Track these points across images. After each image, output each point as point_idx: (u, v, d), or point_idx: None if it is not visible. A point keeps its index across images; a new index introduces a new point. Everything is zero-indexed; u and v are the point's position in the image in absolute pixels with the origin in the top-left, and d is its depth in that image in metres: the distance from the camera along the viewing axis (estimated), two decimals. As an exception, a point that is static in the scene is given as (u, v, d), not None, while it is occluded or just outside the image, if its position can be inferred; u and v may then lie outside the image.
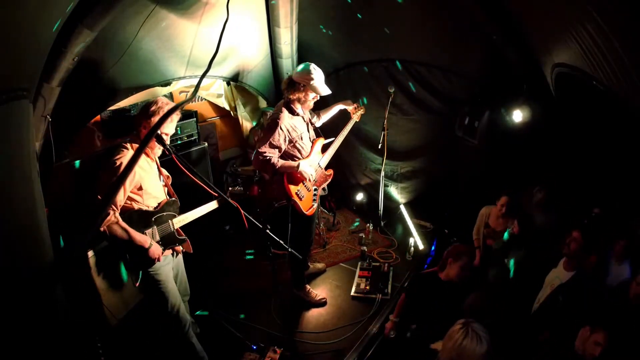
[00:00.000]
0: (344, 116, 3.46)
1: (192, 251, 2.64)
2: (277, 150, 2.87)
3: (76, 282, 2.71)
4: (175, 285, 2.57)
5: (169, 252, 2.50)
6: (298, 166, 2.92)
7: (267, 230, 2.28)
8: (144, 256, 2.31)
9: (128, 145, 2.26)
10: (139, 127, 2.33)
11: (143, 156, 2.33)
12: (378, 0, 3.56)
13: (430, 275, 2.79)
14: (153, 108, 2.28)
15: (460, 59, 3.74)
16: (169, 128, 2.37)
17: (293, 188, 2.96)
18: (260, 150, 2.81)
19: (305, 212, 3.07)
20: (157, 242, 2.37)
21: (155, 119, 2.24)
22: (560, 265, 2.62)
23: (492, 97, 3.69)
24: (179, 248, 2.59)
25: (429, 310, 2.65)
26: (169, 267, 2.52)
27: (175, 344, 2.64)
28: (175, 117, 2.37)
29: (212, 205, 2.58)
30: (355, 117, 3.38)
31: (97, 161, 2.32)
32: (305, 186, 3.07)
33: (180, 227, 2.55)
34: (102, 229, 2.13)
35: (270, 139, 2.82)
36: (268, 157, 2.81)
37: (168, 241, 2.45)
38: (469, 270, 2.67)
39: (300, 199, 3.01)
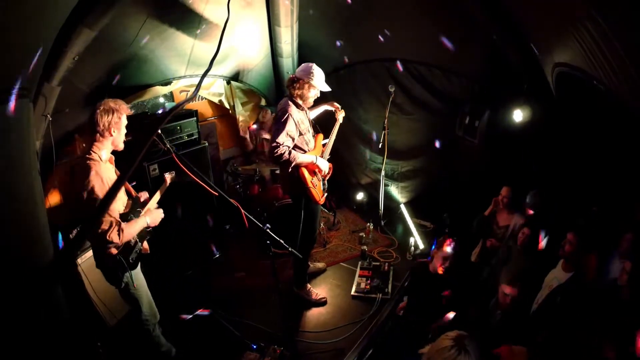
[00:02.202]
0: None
1: (149, 251, 2.63)
2: (291, 140, 2.97)
3: (73, 283, 2.73)
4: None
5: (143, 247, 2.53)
6: (316, 159, 3.13)
7: (268, 230, 2.28)
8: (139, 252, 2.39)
9: (95, 157, 2.19)
10: (102, 133, 2.21)
11: (109, 167, 2.30)
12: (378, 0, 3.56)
13: (422, 265, 2.96)
14: (109, 117, 2.19)
15: (460, 59, 3.74)
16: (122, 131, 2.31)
17: (309, 177, 3.13)
18: (278, 140, 2.88)
19: (319, 200, 3.26)
20: (136, 240, 2.39)
21: (118, 119, 2.21)
22: (559, 266, 2.62)
23: (492, 97, 3.69)
24: (146, 246, 2.59)
25: (417, 300, 2.74)
26: (141, 273, 2.55)
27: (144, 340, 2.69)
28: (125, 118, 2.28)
29: (163, 188, 2.62)
30: (340, 119, 3.48)
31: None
32: (316, 176, 3.25)
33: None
34: (120, 242, 2.18)
35: (286, 129, 2.90)
36: (288, 149, 2.91)
37: (141, 237, 2.49)
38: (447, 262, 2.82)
39: (315, 187, 3.18)
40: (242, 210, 2.17)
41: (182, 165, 2.13)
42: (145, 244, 2.57)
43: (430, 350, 1.58)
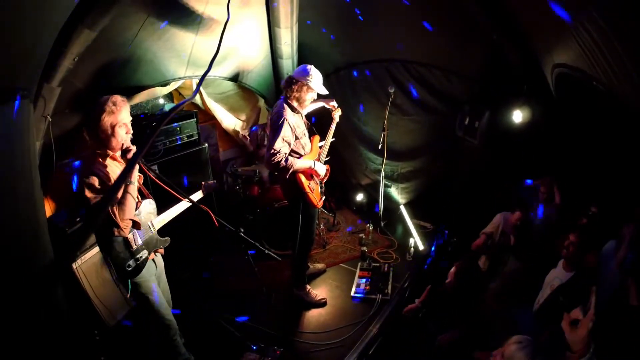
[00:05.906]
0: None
1: (163, 253, 2.56)
2: (287, 145, 2.93)
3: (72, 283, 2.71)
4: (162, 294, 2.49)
5: (152, 256, 2.41)
6: (314, 164, 3.09)
7: (241, 233, 2.30)
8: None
9: (96, 155, 2.11)
10: (102, 132, 2.07)
11: (115, 164, 2.17)
12: (378, 0, 3.56)
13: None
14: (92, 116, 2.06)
15: (460, 59, 3.74)
16: (126, 118, 2.14)
17: (306, 182, 3.11)
18: (275, 147, 2.83)
19: (317, 204, 3.24)
20: (140, 246, 2.27)
21: (116, 116, 2.07)
22: (560, 265, 2.62)
23: (492, 97, 3.69)
24: (161, 250, 2.52)
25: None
26: (153, 277, 2.44)
27: (163, 349, 2.62)
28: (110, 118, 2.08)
29: (195, 197, 2.54)
30: (336, 118, 3.43)
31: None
32: (314, 180, 3.24)
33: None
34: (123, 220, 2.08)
35: (282, 135, 2.86)
36: (285, 156, 2.87)
37: (151, 245, 2.37)
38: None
39: (312, 192, 3.17)
40: (212, 215, 2.20)
41: (150, 174, 2.14)
42: (161, 250, 2.51)
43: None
